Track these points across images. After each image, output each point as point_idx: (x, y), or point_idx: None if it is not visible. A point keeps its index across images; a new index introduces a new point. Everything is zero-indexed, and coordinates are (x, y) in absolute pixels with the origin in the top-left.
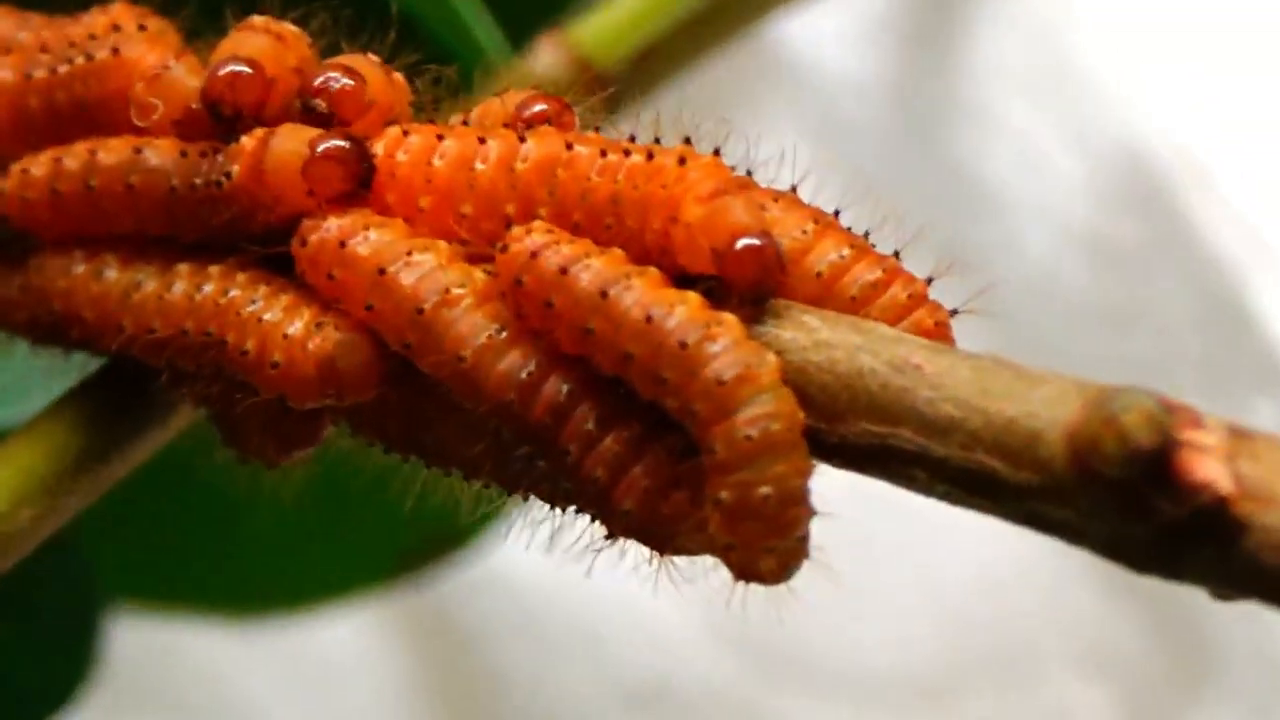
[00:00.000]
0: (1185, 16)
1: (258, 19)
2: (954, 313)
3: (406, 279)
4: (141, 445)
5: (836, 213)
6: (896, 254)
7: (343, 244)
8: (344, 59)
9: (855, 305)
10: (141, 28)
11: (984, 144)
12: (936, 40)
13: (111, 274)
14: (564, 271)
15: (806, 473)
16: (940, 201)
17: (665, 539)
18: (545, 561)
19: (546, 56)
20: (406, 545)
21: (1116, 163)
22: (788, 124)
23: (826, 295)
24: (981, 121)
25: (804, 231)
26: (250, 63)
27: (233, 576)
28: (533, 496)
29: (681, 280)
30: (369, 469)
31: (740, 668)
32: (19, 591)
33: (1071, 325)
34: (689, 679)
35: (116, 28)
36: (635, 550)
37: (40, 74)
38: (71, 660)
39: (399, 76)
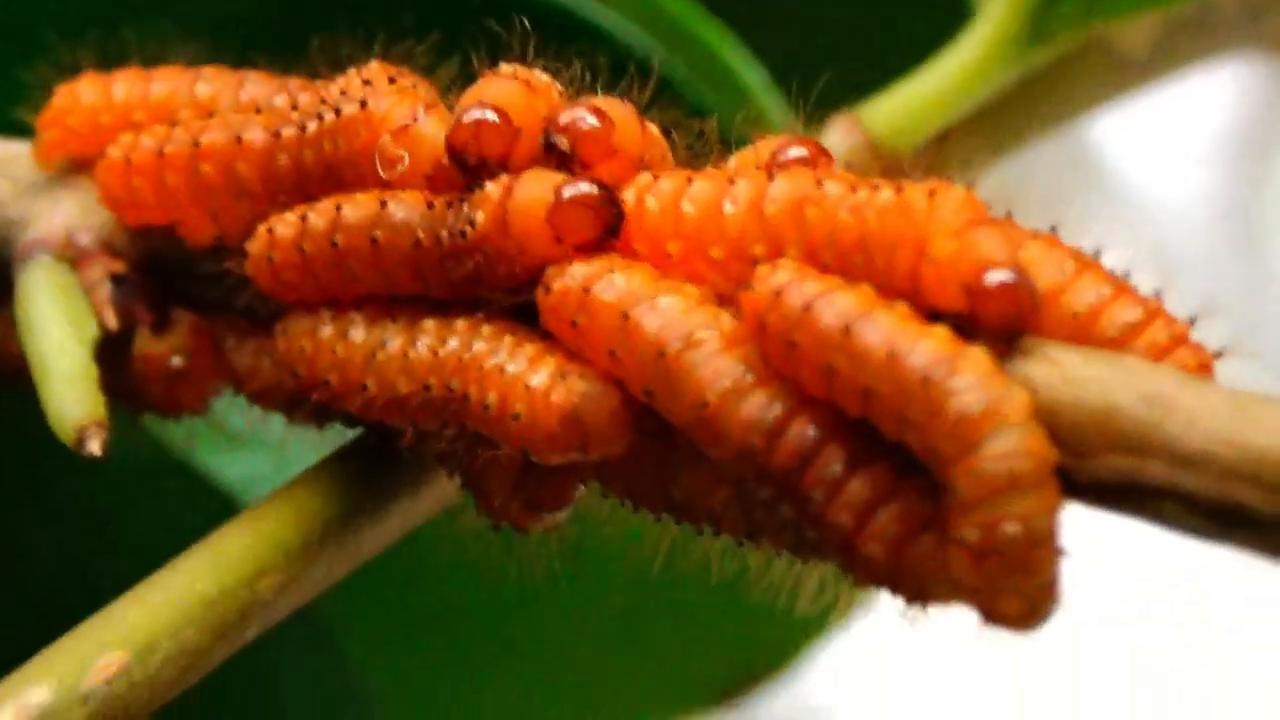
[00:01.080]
0: None
1: (506, 66)
2: (1218, 355)
3: (650, 323)
4: (393, 515)
5: (1097, 253)
6: (1157, 293)
7: (587, 290)
8: (595, 99)
9: (1113, 346)
10: (391, 81)
11: None
12: (1261, 153)
13: (358, 334)
14: (807, 308)
15: (1055, 511)
16: (1262, 313)
17: (914, 586)
18: (852, 693)
19: (838, 136)
20: (718, 674)
21: None
22: (1101, 225)
23: (1083, 336)
24: None
25: (1061, 270)
26: (496, 110)
27: (528, 708)
28: (780, 550)
29: (932, 320)
30: (670, 595)
31: None
32: (271, 683)
33: None
34: None
35: (367, 82)
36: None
37: (289, 132)
38: None
39: (653, 126)
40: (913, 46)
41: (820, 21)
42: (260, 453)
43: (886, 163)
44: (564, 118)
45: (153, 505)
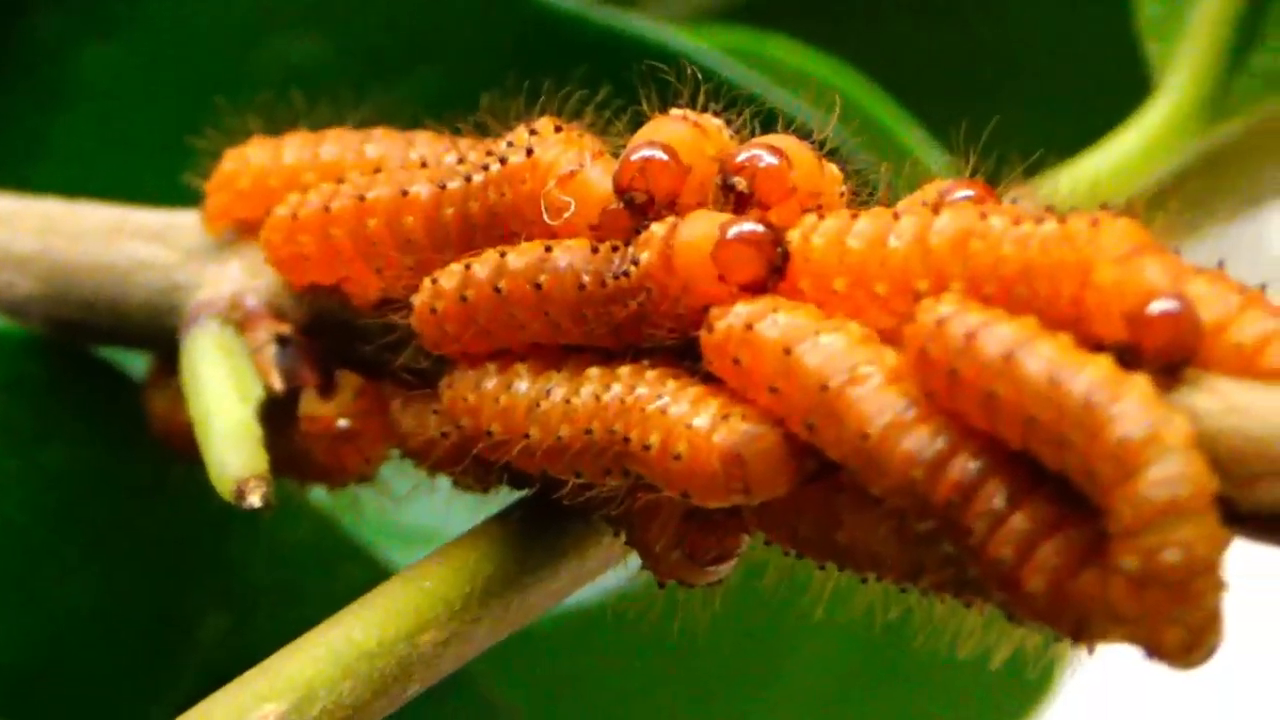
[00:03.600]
0: None
1: (676, 109)
2: None
3: (812, 358)
4: (558, 575)
5: (1263, 287)
6: None
7: (749, 327)
8: (771, 138)
9: (1277, 375)
10: (558, 129)
11: None
12: None
13: (522, 385)
14: (970, 337)
15: (1217, 541)
16: None
17: (1075, 622)
18: None
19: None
20: None
21: None
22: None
23: (1247, 368)
24: None
25: (1226, 303)
26: (666, 148)
27: None
28: (941, 592)
29: (1095, 350)
30: None
31: None
32: None
33: None
34: None
35: (533, 133)
36: None
37: (455, 184)
38: None
39: (832, 165)
40: (1092, 120)
41: (997, 95)
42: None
43: None
44: (742, 156)
45: (331, 591)
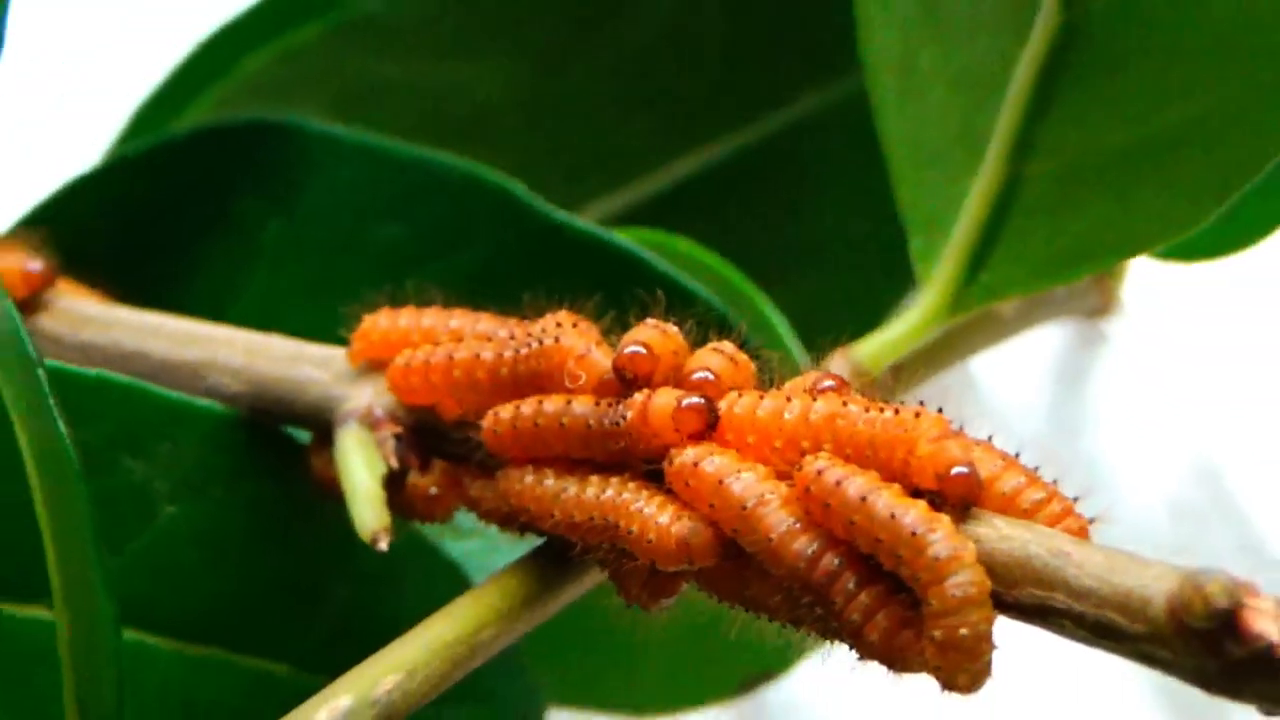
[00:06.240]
0: None
1: (651, 320)
2: (1092, 521)
3: (736, 487)
4: (566, 592)
5: (1017, 454)
6: (1055, 482)
7: (696, 464)
8: (711, 359)
9: (1026, 514)
10: (574, 325)
11: (1107, 452)
12: (1076, 376)
13: (549, 482)
14: (838, 484)
15: (992, 620)
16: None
17: (897, 662)
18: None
19: (836, 363)
20: (746, 671)
21: (1196, 481)
22: (976, 425)
23: (1008, 507)
24: (1105, 435)
25: (996, 466)
26: (645, 346)
27: (628, 688)
28: (813, 633)
29: (914, 495)
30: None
31: None
32: (486, 690)
33: None
34: None
35: (559, 325)
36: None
37: (509, 354)
38: None
39: (745, 358)
40: (875, 305)
41: (808, 292)
42: (479, 540)
43: (865, 381)
44: (694, 378)
45: (411, 571)
